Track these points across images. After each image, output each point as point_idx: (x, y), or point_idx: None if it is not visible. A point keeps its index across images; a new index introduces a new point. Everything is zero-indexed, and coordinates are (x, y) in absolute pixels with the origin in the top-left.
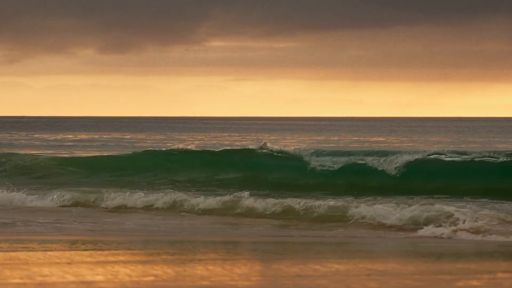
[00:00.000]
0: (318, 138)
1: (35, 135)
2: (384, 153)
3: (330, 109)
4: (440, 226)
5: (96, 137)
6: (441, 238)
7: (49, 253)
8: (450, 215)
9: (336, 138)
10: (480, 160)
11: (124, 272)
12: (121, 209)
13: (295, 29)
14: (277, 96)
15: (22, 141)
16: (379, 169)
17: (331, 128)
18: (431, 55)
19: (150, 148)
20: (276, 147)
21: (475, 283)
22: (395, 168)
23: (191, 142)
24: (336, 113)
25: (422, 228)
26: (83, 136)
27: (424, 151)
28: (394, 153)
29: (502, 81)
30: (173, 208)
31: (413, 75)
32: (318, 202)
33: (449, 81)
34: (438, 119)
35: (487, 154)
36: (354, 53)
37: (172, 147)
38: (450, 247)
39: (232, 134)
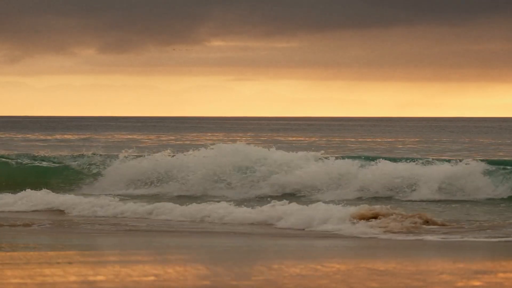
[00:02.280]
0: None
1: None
2: None
3: (330, 109)
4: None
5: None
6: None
7: (49, 253)
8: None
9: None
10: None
11: (125, 272)
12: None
13: (295, 29)
14: (278, 96)
15: None
16: None
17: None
18: (431, 55)
19: None
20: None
21: (476, 283)
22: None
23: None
24: (337, 113)
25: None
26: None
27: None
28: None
29: (502, 81)
30: None
31: (413, 75)
32: None
33: (449, 81)
34: (438, 119)
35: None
36: (354, 53)
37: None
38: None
39: (231, 134)
